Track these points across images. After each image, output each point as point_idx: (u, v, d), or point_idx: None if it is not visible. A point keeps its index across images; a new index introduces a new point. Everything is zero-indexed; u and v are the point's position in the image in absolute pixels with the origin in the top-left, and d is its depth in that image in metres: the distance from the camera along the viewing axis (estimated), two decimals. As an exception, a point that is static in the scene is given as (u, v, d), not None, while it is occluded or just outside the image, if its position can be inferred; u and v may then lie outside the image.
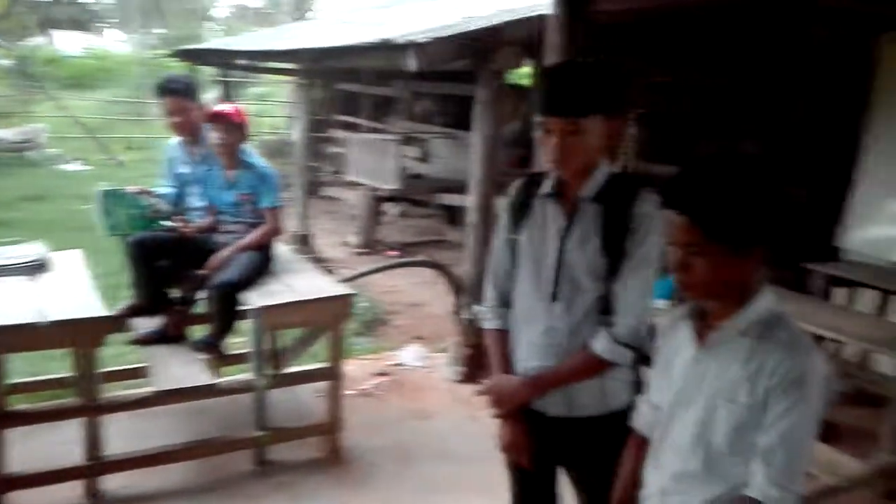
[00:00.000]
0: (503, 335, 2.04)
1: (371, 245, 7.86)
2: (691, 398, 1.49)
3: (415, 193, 8.15)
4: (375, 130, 9.68)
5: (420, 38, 3.88)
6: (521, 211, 1.98)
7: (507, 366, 2.01)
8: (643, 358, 1.91)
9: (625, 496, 1.72)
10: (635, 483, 1.68)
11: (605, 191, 1.87)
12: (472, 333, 4.49)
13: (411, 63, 4.00)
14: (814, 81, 5.24)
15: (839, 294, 4.64)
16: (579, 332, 1.90)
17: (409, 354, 4.86)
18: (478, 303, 2.23)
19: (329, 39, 5.56)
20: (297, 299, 3.39)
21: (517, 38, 4.06)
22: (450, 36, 3.93)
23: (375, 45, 4.19)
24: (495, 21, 4.03)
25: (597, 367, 1.89)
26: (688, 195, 1.39)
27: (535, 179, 2.00)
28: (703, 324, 1.52)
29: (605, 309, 1.88)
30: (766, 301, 1.44)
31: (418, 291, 6.52)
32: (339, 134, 9.73)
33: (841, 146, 4.89)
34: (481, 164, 4.36)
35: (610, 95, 1.81)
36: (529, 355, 1.96)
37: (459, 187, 7.71)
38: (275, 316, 3.33)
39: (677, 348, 1.57)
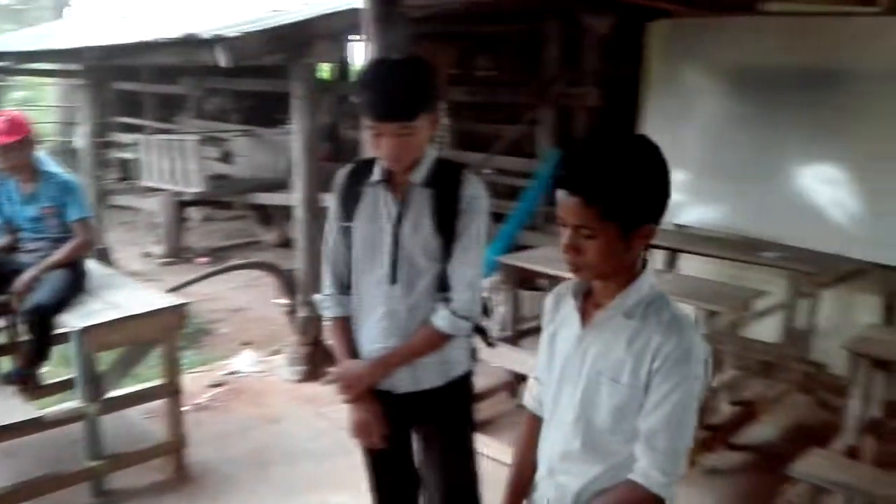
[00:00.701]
0: (345, 322, 2.09)
1: (177, 253, 7.42)
2: (574, 376, 1.47)
3: (222, 195, 7.80)
4: (163, 131, 9.11)
5: (230, 33, 3.74)
6: (351, 199, 2.02)
7: (353, 351, 2.06)
8: (478, 328, 2.07)
9: (518, 479, 1.64)
10: (529, 464, 1.61)
11: (433, 176, 1.96)
12: (309, 331, 4.44)
13: (221, 58, 3.85)
14: (603, 67, 5.76)
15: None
16: (418, 311, 1.99)
17: (243, 361, 4.69)
18: (315, 296, 2.26)
19: (119, 36, 5.15)
20: (125, 315, 3.16)
21: (332, 31, 4.06)
22: (262, 30, 3.83)
23: (179, 40, 3.97)
24: (308, 14, 3.98)
25: (439, 340, 2.00)
26: (583, 175, 1.34)
27: (361, 167, 2.04)
28: (588, 301, 1.49)
29: (441, 286, 1.99)
30: (649, 280, 1.43)
31: (238, 296, 6.29)
32: (126, 137, 9.01)
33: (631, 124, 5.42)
34: (303, 158, 4.32)
35: (432, 92, 1.90)
36: (373, 338, 2.03)
37: (268, 186, 7.56)
38: (100, 336, 3.08)
39: (561, 325, 1.54)
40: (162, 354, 3.31)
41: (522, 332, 4.25)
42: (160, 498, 3.22)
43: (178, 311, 3.29)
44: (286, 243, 8.11)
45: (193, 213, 8.68)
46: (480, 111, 6.57)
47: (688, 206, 5.14)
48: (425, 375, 2.04)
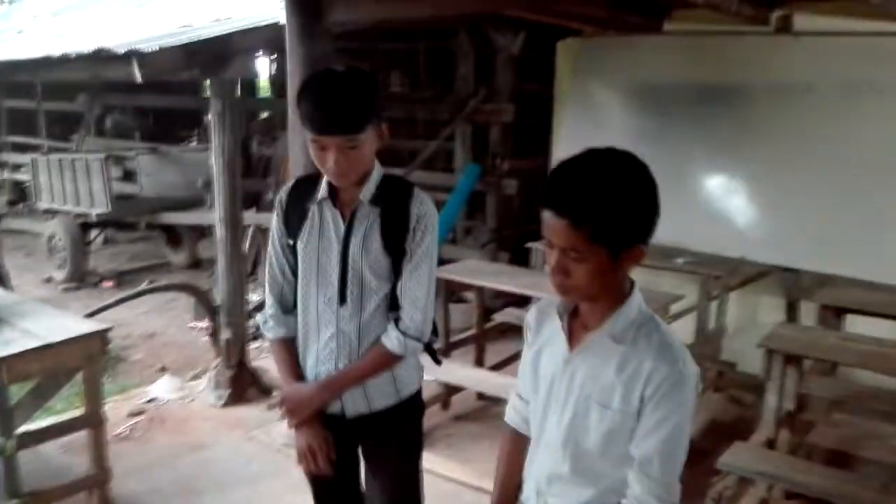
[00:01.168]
0: (289, 343, 2.01)
1: (81, 278, 7.05)
2: (562, 399, 1.43)
3: (128, 216, 7.49)
4: (59, 150, 8.68)
5: (144, 47, 3.64)
6: (295, 216, 1.95)
7: (297, 373, 1.99)
8: (427, 346, 2.01)
9: (503, 497, 1.61)
10: (514, 483, 1.59)
11: (382, 193, 1.90)
12: (233, 353, 4.33)
13: (136, 74, 3.73)
14: (517, 84, 5.92)
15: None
16: (369, 332, 1.93)
17: (162, 387, 4.51)
18: (257, 316, 2.18)
19: (17, 51, 4.89)
20: (45, 343, 2.99)
21: (248, 46, 4.00)
22: (179, 45, 3.74)
23: (91, 55, 3.82)
24: (227, 30, 3.91)
25: (389, 361, 1.94)
26: (570, 196, 1.27)
27: (305, 183, 1.97)
28: (575, 320, 1.45)
29: (392, 306, 1.93)
30: (637, 302, 1.39)
31: (150, 321, 6.05)
32: (18, 158, 8.53)
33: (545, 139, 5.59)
34: (223, 175, 4.21)
35: (377, 104, 1.83)
36: (320, 360, 1.96)
37: (177, 205, 7.33)
38: (18, 366, 2.89)
39: (546, 344, 1.49)
40: (84, 383, 3.15)
41: (452, 345, 4.30)
42: (86, 535, 3.06)
43: (100, 337, 3.15)
44: (196, 264, 7.89)
45: (94, 235, 8.29)
46: (397, 127, 6.59)
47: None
48: (378, 396, 1.98)
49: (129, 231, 8.92)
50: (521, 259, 5.42)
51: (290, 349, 2.01)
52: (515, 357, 4.53)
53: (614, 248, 1.29)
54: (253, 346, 4.86)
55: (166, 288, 5.19)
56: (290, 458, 3.61)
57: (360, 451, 2.12)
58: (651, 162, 4.40)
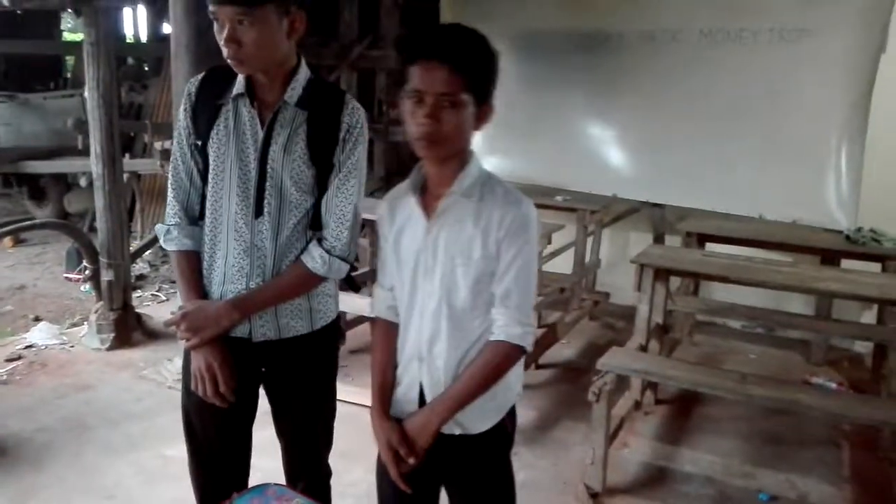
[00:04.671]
0: (192, 256, 1.80)
1: (-69, 234, 6.50)
2: (430, 267, 1.56)
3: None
4: None
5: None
6: (205, 114, 1.75)
7: (201, 290, 1.79)
8: (347, 273, 1.84)
9: (383, 380, 1.65)
10: (391, 365, 1.66)
11: (309, 96, 1.73)
12: (116, 295, 4.20)
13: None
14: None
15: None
16: (285, 251, 1.76)
17: (40, 333, 4.31)
18: (157, 225, 1.94)
19: None
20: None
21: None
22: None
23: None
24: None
25: (309, 283, 1.78)
26: (453, 46, 1.44)
27: (219, 76, 1.76)
28: (426, 198, 1.57)
29: (311, 224, 1.78)
30: (478, 163, 1.55)
31: (18, 275, 5.75)
32: None
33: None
34: (99, 110, 4.03)
35: None
36: (227, 278, 1.77)
37: (40, 154, 6.88)
38: None
39: (403, 226, 1.60)
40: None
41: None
42: (-29, 472, 2.93)
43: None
44: (64, 218, 7.46)
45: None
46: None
47: (484, 159, 5.53)
48: (290, 323, 1.80)
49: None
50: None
51: (194, 263, 1.80)
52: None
53: (479, 99, 1.47)
54: (135, 294, 4.73)
55: (44, 225, 4.93)
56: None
57: (261, 389, 1.90)
58: (534, 107, 4.65)
